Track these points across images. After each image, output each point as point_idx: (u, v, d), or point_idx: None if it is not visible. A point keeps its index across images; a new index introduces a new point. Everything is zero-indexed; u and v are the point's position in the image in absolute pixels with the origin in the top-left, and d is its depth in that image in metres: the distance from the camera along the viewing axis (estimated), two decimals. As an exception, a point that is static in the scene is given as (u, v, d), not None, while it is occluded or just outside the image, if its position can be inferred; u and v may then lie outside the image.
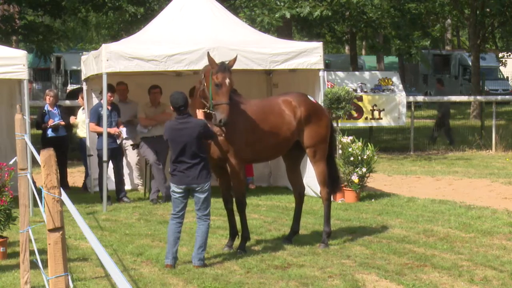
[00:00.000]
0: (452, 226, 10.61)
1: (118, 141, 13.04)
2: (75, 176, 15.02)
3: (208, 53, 9.54)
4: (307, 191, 13.39)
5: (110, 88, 12.84)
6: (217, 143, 8.93)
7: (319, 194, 12.98)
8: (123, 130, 13.13)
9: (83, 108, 14.28)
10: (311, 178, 13.33)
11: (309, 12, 18.61)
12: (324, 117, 9.66)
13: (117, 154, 13.08)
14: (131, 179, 14.48)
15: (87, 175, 14.36)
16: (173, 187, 8.49)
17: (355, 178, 12.65)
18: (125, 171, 13.99)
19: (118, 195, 13.07)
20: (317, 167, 9.61)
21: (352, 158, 12.75)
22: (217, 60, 9.41)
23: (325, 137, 9.60)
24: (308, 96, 9.83)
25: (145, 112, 13.19)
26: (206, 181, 8.45)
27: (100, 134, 12.71)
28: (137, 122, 13.34)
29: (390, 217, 11.38)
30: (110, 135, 12.68)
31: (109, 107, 12.82)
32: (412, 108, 21.93)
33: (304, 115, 9.39)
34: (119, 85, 13.34)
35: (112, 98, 12.89)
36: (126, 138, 13.46)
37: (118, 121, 13.08)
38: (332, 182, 9.96)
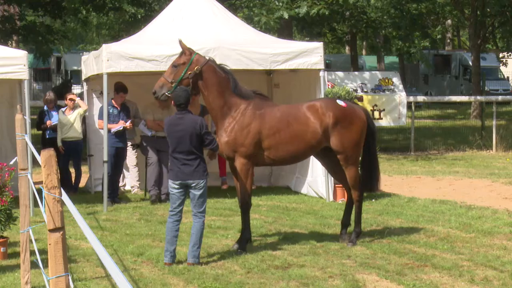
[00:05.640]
0: (453, 226, 10.60)
1: (128, 136, 13.04)
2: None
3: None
4: (308, 191, 13.42)
5: (123, 88, 12.81)
6: (225, 142, 9.06)
7: (320, 195, 13.03)
8: (127, 122, 12.94)
9: (64, 109, 14.00)
10: (312, 178, 13.35)
11: (306, 11, 18.60)
12: (357, 120, 9.47)
13: (122, 154, 13.02)
14: (129, 180, 14.40)
15: (77, 176, 14.19)
16: (170, 183, 8.56)
17: (355, 178, 12.63)
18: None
19: (113, 196, 12.75)
20: (348, 171, 9.55)
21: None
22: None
23: (357, 141, 9.48)
24: (338, 101, 9.71)
25: (153, 114, 13.06)
26: (202, 178, 8.43)
27: (109, 132, 12.55)
28: (137, 122, 13.26)
29: (391, 217, 11.38)
30: (117, 135, 12.68)
31: (119, 107, 12.81)
32: (413, 108, 21.94)
33: (332, 121, 9.32)
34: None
35: (122, 99, 12.88)
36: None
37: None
38: (370, 180, 9.94)
